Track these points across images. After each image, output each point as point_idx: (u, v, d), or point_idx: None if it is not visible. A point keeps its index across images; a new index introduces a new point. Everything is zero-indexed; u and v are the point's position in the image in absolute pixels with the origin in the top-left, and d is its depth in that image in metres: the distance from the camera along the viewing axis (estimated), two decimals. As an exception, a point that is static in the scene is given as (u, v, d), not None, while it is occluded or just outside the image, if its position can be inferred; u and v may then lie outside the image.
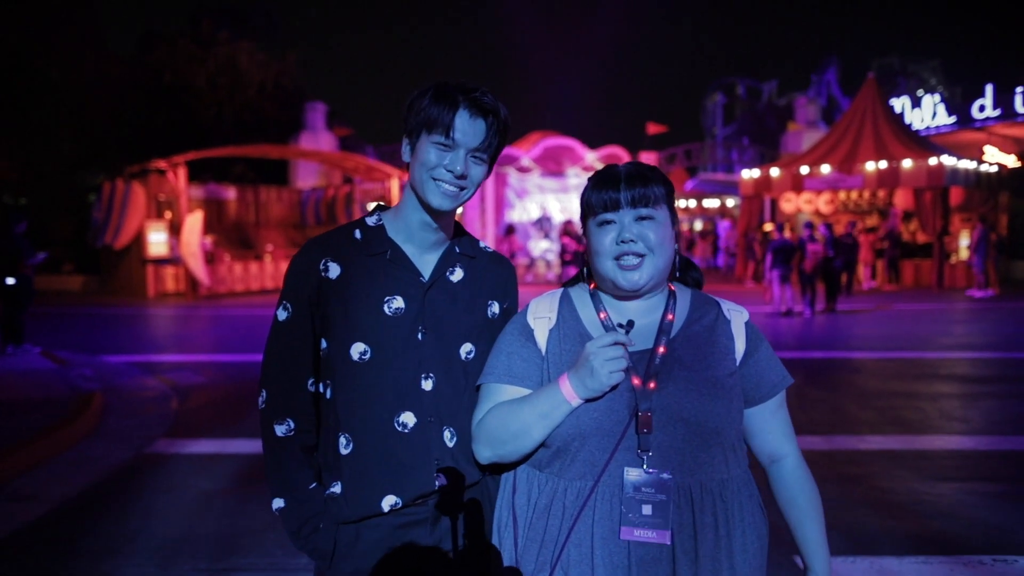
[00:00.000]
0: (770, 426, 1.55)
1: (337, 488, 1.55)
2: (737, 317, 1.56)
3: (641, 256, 1.45)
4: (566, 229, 15.97)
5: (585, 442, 1.41)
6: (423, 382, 1.56)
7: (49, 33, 22.21)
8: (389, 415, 1.54)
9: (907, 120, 24.05)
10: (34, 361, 8.73)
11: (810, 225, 13.78)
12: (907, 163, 18.15)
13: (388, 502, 1.53)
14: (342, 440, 1.55)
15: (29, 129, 22.01)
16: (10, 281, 8.90)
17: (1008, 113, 23.28)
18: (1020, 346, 9.63)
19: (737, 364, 1.51)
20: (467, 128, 1.50)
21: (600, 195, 1.47)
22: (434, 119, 1.49)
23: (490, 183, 23.65)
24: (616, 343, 1.36)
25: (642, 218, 1.46)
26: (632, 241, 1.44)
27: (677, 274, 1.59)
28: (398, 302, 1.56)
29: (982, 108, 23.92)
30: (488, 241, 23.53)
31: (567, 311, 1.57)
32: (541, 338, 1.54)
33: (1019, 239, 20.16)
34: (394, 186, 22.97)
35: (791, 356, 9.08)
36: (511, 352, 1.55)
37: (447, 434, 1.57)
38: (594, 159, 23.48)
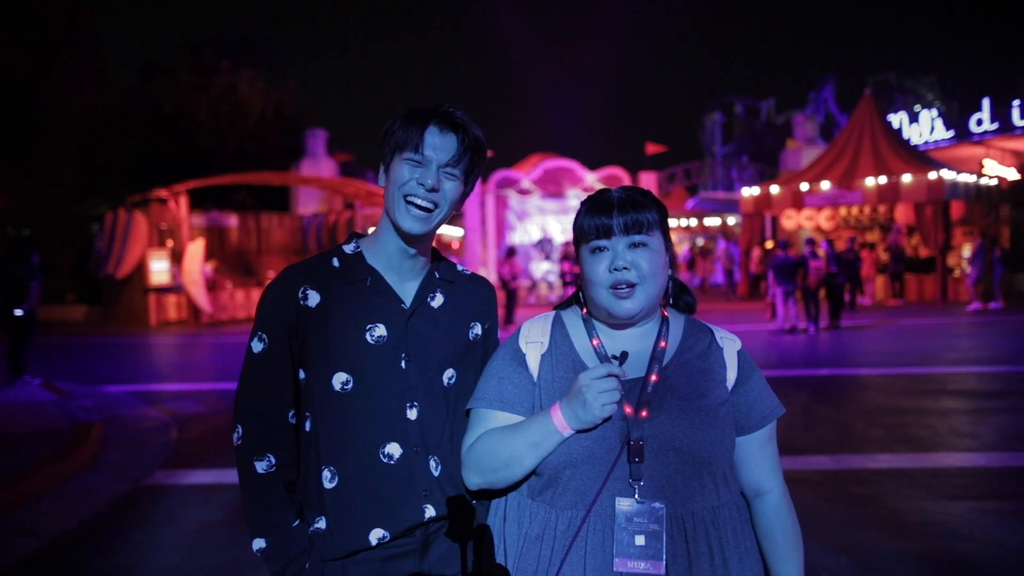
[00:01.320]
0: (757, 459, 1.53)
1: (322, 524, 1.50)
2: (730, 345, 1.55)
3: (634, 285, 1.43)
4: (566, 252, 15.96)
5: (576, 471, 1.39)
6: (408, 411, 1.53)
7: (51, 65, 22.44)
8: (374, 446, 1.50)
9: (905, 135, 24.11)
10: (34, 393, 8.68)
11: (811, 242, 13.75)
12: (907, 178, 18.17)
13: (376, 535, 1.48)
14: (326, 474, 1.51)
15: (31, 160, 22.16)
16: (19, 312, 9.01)
17: (1006, 127, 23.33)
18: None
19: (728, 392, 1.49)
20: (437, 143, 1.49)
21: (592, 221, 1.46)
22: (404, 138, 1.50)
23: (491, 205, 23.75)
24: (610, 375, 1.35)
25: (635, 245, 1.44)
26: (625, 269, 1.43)
27: (671, 300, 1.58)
28: (380, 330, 1.52)
29: (980, 122, 23.98)
30: (489, 264, 23.58)
31: (560, 336, 1.55)
32: (533, 363, 1.52)
33: (1021, 252, 20.10)
34: (395, 210, 23.01)
35: (796, 374, 9.00)
36: (503, 377, 1.53)
37: (432, 463, 1.53)
38: (594, 180, 23.55)
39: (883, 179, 18.43)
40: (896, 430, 6.22)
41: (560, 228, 23.82)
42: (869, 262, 18.43)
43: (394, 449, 1.51)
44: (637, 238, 1.44)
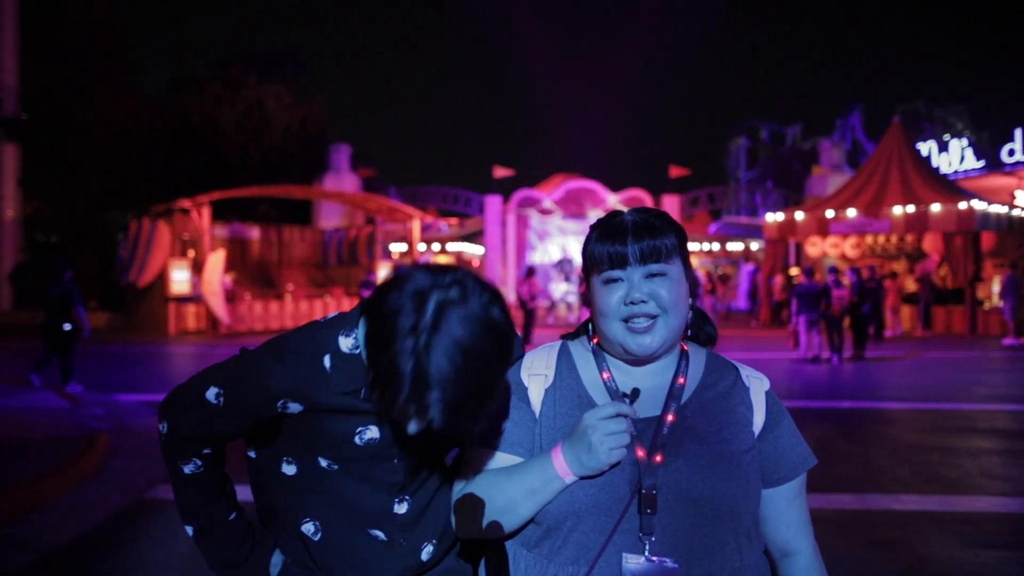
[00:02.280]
0: (785, 515, 1.36)
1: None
2: (757, 385, 1.38)
3: (653, 317, 1.28)
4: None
5: (579, 522, 1.24)
6: (396, 506, 1.41)
7: (84, 77, 22.88)
8: (360, 527, 1.40)
9: (934, 164, 23.76)
10: (47, 400, 8.68)
11: (835, 270, 13.47)
12: (936, 207, 17.83)
13: None
14: (309, 526, 1.41)
15: (62, 169, 22.55)
16: (67, 327, 9.68)
17: (1039, 158, 22.92)
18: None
19: (755, 438, 1.33)
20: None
21: (605, 248, 1.30)
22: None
23: (512, 224, 23.70)
24: (619, 415, 1.19)
25: (653, 275, 1.29)
26: (643, 302, 1.27)
27: (689, 332, 1.41)
28: (372, 432, 1.36)
29: (1011, 152, 23.58)
30: (508, 283, 23.47)
31: (565, 369, 1.39)
32: (535, 398, 1.36)
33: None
34: (415, 227, 23.08)
35: (819, 405, 8.74)
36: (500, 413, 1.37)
37: (427, 549, 1.44)
38: (616, 201, 23.43)
39: (911, 208, 18.10)
40: (924, 469, 5.95)
41: (580, 249, 23.70)
42: (893, 292, 18.02)
43: (379, 535, 1.41)
44: (655, 267, 1.28)
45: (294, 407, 1.32)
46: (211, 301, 17.82)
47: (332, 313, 1.47)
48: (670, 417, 1.28)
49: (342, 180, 25.33)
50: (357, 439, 1.35)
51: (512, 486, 1.27)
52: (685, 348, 1.40)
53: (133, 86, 25.59)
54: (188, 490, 1.42)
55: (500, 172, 24.30)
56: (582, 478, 1.23)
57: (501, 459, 1.33)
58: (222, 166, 25.65)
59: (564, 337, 1.50)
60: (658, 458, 1.24)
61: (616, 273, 1.29)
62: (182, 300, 18.52)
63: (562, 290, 22.83)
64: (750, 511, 1.28)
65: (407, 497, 1.41)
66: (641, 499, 1.22)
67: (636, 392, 1.25)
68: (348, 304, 20.70)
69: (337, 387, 1.31)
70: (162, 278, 18.43)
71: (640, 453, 1.25)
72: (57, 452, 6.02)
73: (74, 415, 7.76)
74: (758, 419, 1.34)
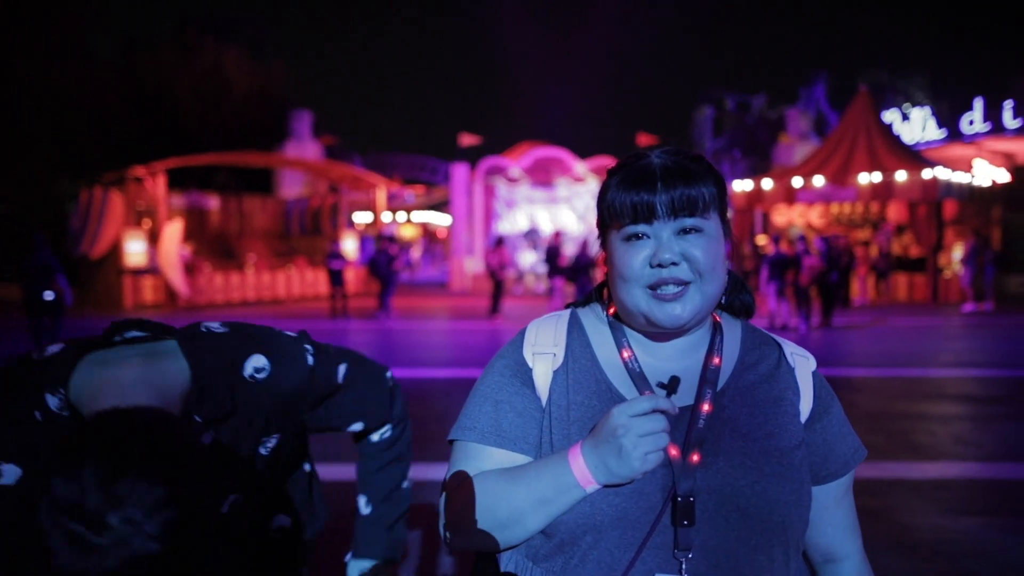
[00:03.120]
0: (832, 516, 1.17)
1: None
2: (803, 364, 1.15)
3: (685, 283, 1.04)
4: (552, 242, 15.35)
5: (601, 536, 1.01)
6: None
7: (30, 38, 21.74)
8: None
9: (896, 133, 23.98)
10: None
11: (804, 238, 13.50)
12: (901, 176, 17.96)
13: None
14: None
15: (7, 136, 21.50)
16: (49, 296, 9.75)
17: (997, 127, 23.24)
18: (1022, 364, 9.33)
19: (802, 429, 1.12)
20: None
21: (628, 197, 1.05)
22: None
23: (479, 194, 23.35)
24: (655, 411, 0.96)
25: (686, 231, 1.05)
26: (674, 264, 1.03)
27: (724, 299, 1.18)
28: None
29: (971, 122, 23.87)
30: (476, 252, 23.20)
31: (578, 345, 1.14)
32: (542, 381, 1.12)
33: (1012, 253, 20.00)
34: (380, 196, 22.60)
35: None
36: (500, 401, 1.12)
37: None
38: (584, 170, 23.21)
39: (877, 176, 18.21)
40: (898, 436, 5.94)
41: (549, 218, 23.47)
42: (864, 260, 18.20)
43: None
44: (689, 222, 1.04)
45: (8, 470, 1.07)
46: (169, 273, 17.24)
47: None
48: (706, 407, 1.06)
49: (304, 147, 24.63)
50: None
51: (518, 494, 1.03)
52: (718, 320, 1.17)
53: (85, 49, 24.41)
54: None
55: (467, 140, 23.86)
56: (606, 486, 1.00)
57: (502, 458, 1.09)
58: (179, 133, 24.74)
59: (572, 306, 1.25)
60: (695, 458, 1.02)
61: (641, 228, 1.05)
62: (138, 272, 17.89)
63: (530, 260, 22.64)
64: (802, 519, 1.07)
65: None
66: (676, 508, 1.00)
67: (676, 381, 1.02)
68: (312, 275, 20.26)
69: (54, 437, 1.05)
70: (116, 249, 17.75)
71: (673, 452, 1.02)
72: None
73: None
74: (805, 405, 1.13)
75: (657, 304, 1.05)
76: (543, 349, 1.14)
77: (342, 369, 1.37)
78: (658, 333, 1.11)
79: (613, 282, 1.11)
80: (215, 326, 1.25)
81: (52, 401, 1.09)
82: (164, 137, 24.16)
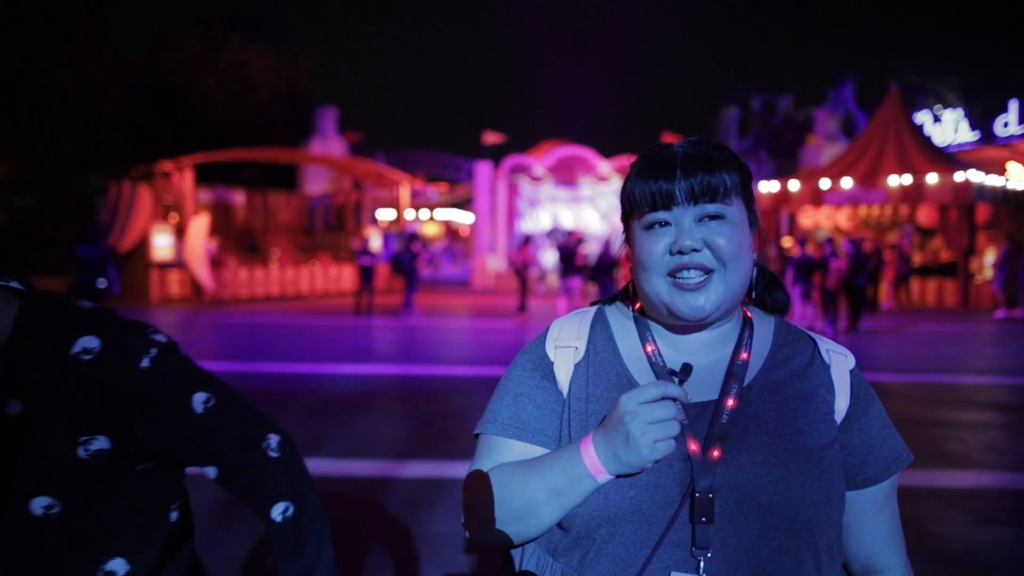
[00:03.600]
0: (872, 524, 1.11)
1: None
2: (840, 362, 1.11)
3: (708, 271, 1.02)
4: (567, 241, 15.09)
5: (616, 530, 0.99)
6: None
7: (59, 35, 22.10)
8: None
9: (927, 135, 23.58)
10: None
11: (831, 241, 13.30)
12: (932, 178, 17.63)
13: None
14: None
15: (37, 130, 21.88)
16: (102, 284, 10.43)
17: (1033, 130, 22.77)
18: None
19: (837, 429, 1.07)
20: None
21: (647, 187, 1.04)
22: None
23: (502, 192, 23.32)
24: (666, 398, 0.94)
25: (709, 217, 1.03)
26: (695, 251, 1.01)
27: (754, 294, 1.15)
28: None
29: (1006, 124, 23.41)
30: (499, 250, 23.16)
31: (601, 340, 1.13)
32: (563, 375, 1.11)
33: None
34: (404, 193, 22.67)
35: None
36: (520, 394, 1.12)
37: None
38: (608, 169, 23.09)
39: (907, 179, 17.89)
40: (928, 444, 5.81)
41: (572, 217, 23.38)
42: (892, 264, 17.86)
43: None
44: (711, 208, 1.03)
45: None
46: (195, 267, 17.44)
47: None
48: (730, 402, 1.03)
49: (329, 144, 24.77)
50: None
51: (533, 484, 1.02)
52: (748, 315, 1.14)
53: (112, 43, 24.78)
54: None
55: (491, 138, 23.85)
56: (618, 476, 0.98)
57: (521, 450, 1.09)
58: (204, 128, 25.01)
59: (598, 303, 1.24)
60: (716, 453, 0.99)
61: (661, 215, 1.04)
62: (165, 266, 18.12)
63: (552, 259, 22.59)
64: (833, 521, 1.02)
65: None
66: (694, 504, 0.97)
67: (688, 368, 0.99)
68: (335, 271, 20.37)
69: None
70: (144, 243, 17.99)
71: (693, 447, 1.00)
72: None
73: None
74: (841, 404, 1.08)
75: (679, 294, 1.03)
76: (565, 343, 1.14)
77: (200, 397, 1.18)
78: (681, 325, 1.08)
79: (636, 273, 1.10)
80: (83, 302, 1.16)
81: None
82: (190, 132, 24.45)
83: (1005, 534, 4.01)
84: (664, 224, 1.04)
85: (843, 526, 1.09)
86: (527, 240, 15.59)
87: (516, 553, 1.12)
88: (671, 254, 1.03)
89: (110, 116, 23.10)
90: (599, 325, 1.16)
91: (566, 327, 1.17)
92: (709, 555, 0.96)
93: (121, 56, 25.00)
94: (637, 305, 1.15)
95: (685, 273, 1.03)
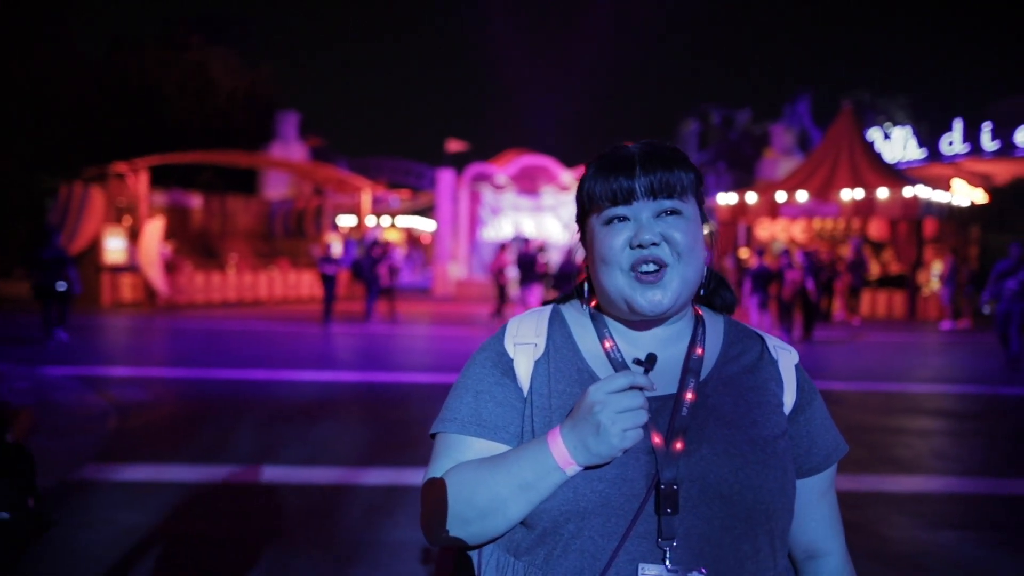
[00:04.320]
0: (815, 511, 1.17)
1: None
2: (786, 357, 1.17)
3: (663, 266, 1.05)
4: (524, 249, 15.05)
5: (584, 524, 1.00)
6: None
7: (14, 35, 21.45)
8: None
9: (878, 151, 24.31)
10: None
11: (787, 252, 13.61)
12: (883, 193, 18.18)
13: None
14: None
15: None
16: (62, 286, 10.59)
17: (976, 149, 23.66)
18: (1001, 380, 9.45)
19: (786, 421, 1.13)
20: None
21: (608, 183, 1.07)
22: None
23: (464, 200, 23.31)
24: (633, 387, 0.95)
25: (666, 212, 1.06)
26: (654, 244, 1.05)
27: (703, 291, 1.18)
28: None
29: (951, 143, 24.26)
30: (460, 258, 23.13)
31: (560, 337, 1.15)
32: (523, 372, 1.12)
33: (990, 273, 20.32)
34: (365, 199, 22.50)
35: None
36: (480, 391, 1.12)
37: None
38: (569, 179, 23.27)
39: (859, 193, 18.42)
40: (877, 450, 5.97)
41: (534, 225, 23.49)
42: (846, 276, 18.26)
43: None
44: (668, 203, 1.07)
45: None
46: (148, 271, 17.02)
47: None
48: (689, 395, 1.06)
49: (290, 149, 24.46)
50: None
51: (499, 480, 1.02)
52: (700, 313, 1.18)
53: (69, 45, 24.13)
54: None
55: (453, 146, 23.84)
56: (587, 468, 0.99)
57: (483, 447, 1.09)
58: (163, 131, 24.48)
59: (554, 301, 1.26)
60: (678, 445, 1.02)
61: (620, 210, 1.07)
62: (117, 269, 17.64)
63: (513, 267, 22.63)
64: (787, 508, 1.08)
65: None
66: (660, 495, 0.99)
67: (653, 358, 1.01)
68: (294, 277, 20.10)
69: None
70: (95, 246, 17.50)
71: (657, 440, 1.02)
72: (-29, 429, 5.54)
73: (-6, 389, 7.22)
74: (788, 397, 1.14)
75: (639, 289, 1.06)
76: (524, 340, 1.15)
77: None
78: (639, 321, 1.11)
79: (594, 268, 1.12)
80: None
81: None
82: (147, 135, 23.91)
83: (953, 537, 4.14)
84: (623, 219, 1.07)
85: None
86: (503, 246, 15.59)
87: (474, 556, 1.12)
88: (631, 248, 1.06)
89: (64, 117, 22.47)
90: (556, 323, 1.17)
91: (524, 324, 1.18)
92: (675, 544, 0.99)
93: (79, 57, 24.35)
94: (593, 303, 1.18)
95: (644, 267, 1.06)
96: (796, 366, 1.17)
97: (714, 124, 55.35)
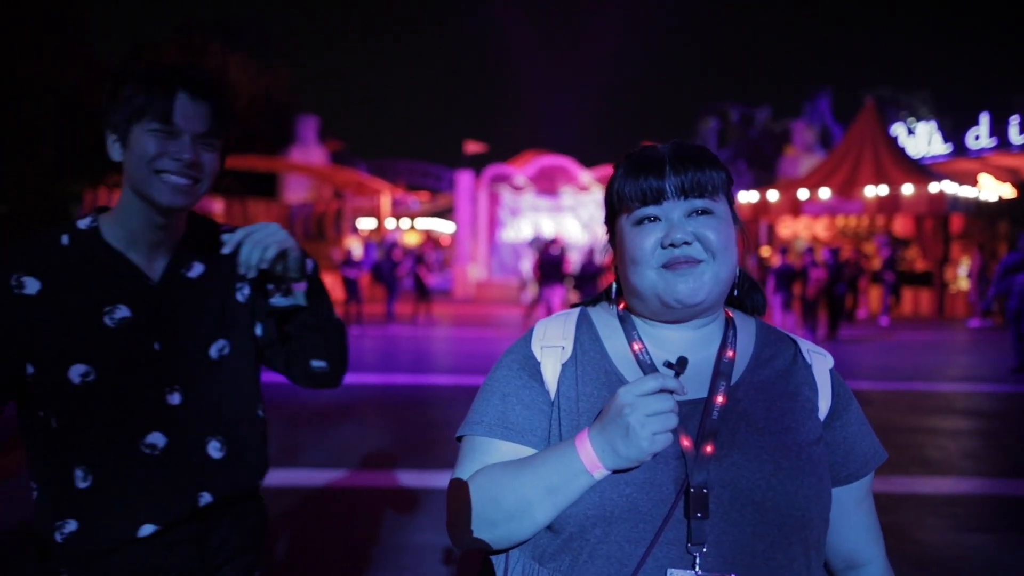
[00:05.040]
0: (853, 519, 1.13)
1: (72, 526, 1.31)
2: (820, 362, 1.13)
3: (698, 262, 1.03)
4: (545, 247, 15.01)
5: (611, 529, 0.98)
6: (168, 397, 1.36)
7: (36, 41, 21.80)
8: (132, 439, 1.33)
9: (902, 146, 23.94)
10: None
11: (811, 250, 13.43)
12: (907, 189, 17.90)
13: (145, 530, 1.33)
14: (78, 473, 1.32)
15: (11, 136, 21.52)
16: None
17: (1003, 143, 23.20)
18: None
19: (821, 426, 1.09)
20: (189, 111, 1.30)
21: (638, 184, 1.06)
22: (144, 106, 1.29)
23: (483, 201, 23.31)
24: (663, 390, 0.92)
25: (697, 212, 1.06)
26: (686, 243, 1.03)
27: (736, 292, 1.17)
28: (123, 311, 1.34)
29: (977, 137, 23.83)
30: (479, 259, 23.13)
31: (587, 340, 1.12)
32: (551, 375, 1.10)
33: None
34: (385, 202, 22.59)
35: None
36: (507, 394, 1.10)
37: (213, 446, 1.40)
38: (589, 179, 23.19)
39: (883, 189, 18.15)
40: (909, 451, 5.85)
41: (553, 226, 23.44)
42: (869, 273, 17.99)
43: (157, 439, 1.35)
44: (700, 203, 1.06)
45: (31, 283, 1.28)
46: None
47: None
48: (720, 399, 1.03)
49: (309, 153, 24.63)
50: (108, 319, 1.32)
51: (526, 483, 1.00)
52: (731, 315, 1.15)
53: (89, 50, 24.49)
54: None
55: (472, 147, 23.86)
56: (615, 472, 0.96)
57: (509, 450, 1.07)
58: (184, 136, 24.77)
59: (582, 304, 1.24)
60: (709, 449, 0.99)
61: (651, 210, 1.06)
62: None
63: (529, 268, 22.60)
64: (823, 516, 1.04)
65: (177, 386, 1.37)
66: (690, 500, 0.96)
67: (683, 361, 0.98)
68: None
69: (77, 257, 1.33)
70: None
71: (686, 443, 1.00)
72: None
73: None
74: (823, 403, 1.10)
75: (672, 279, 1.04)
76: (552, 343, 1.13)
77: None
78: (671, 318, 1.09)
79: (624, 269, 1.11)
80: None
81: (83, 222, 1.38)
82: (169, 140, 24.19)
83: (985, 540, 4.04)
84: (654, 219, 1.06)
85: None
86: (548, 244, 15.52)
87: (499, 562, 1.09)
88: (662, 248, 1.04)
89: (87, 123, 22.79)
90: (584, 325, 1.16)
91: (551, 327, 1.16)
92: (704, 550, 0.96)
93: (98, 63, 24.71)
94: (621, 305, 1.16)
95: (677, 266, 1.04)
96: (831, 371, 1.14)
97: (733, 122, 54.96)
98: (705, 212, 1.05)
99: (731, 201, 1.12)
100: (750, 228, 20.70)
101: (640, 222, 1.07)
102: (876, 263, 18.47)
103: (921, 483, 5.05)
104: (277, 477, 4.92)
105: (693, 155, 1.07)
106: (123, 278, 1.35)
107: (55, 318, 1.29)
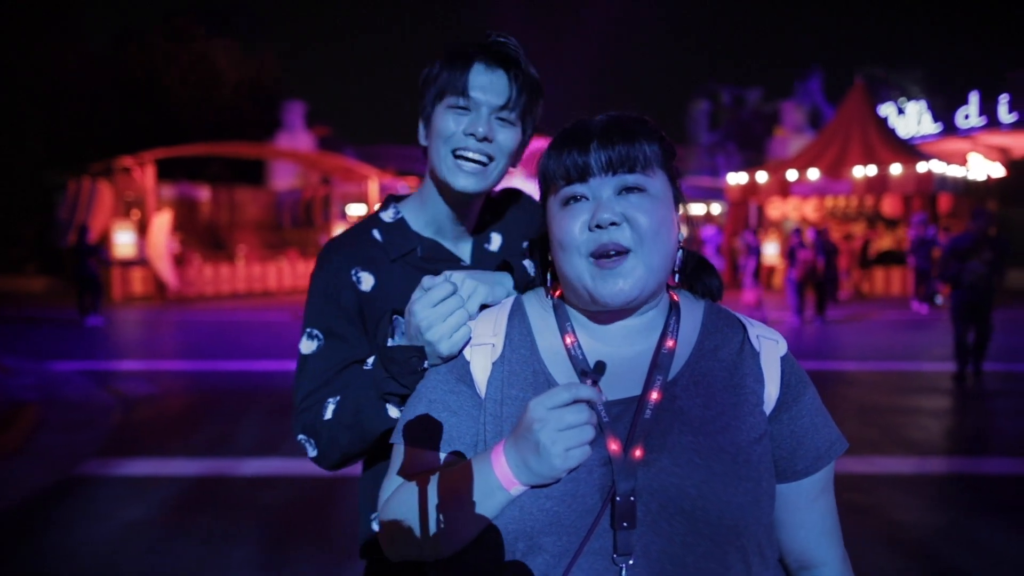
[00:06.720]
0: (805, 518, 1.04)
1: None
2: (770, 348, 1.04)
3: (625, 253, 0.94)
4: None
5: (534, 543, 0.92)
6: None
7: (20, 29, 21.48)
8: None
9: (891, 127, 23.91)
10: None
11: (798, 232, 13.41)
12: (896, 169, 17.88)
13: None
14: None
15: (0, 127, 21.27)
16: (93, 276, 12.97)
17: (993, 122, 23.20)
18: (1020, 358, 9.28)
19: (766, 420, 1.00)
20: (485, 83, 1.25)
21: (561, 160, 0.97)
22: (445, 83, 1.26)
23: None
24: (577, 401, 0.85)
25: (628, 189, 0.95)
26: (614, 224, 0.94)
27: (677, 277, 1.07)
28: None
29: (967, 116, 23.81)
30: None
31: (518, 335, 1.04)
32: (480, 376, 1.03)
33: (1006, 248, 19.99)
34: (372, 187, 22.45)
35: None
36: (433, 400, 1.03)
37: None
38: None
39: (872, 169, 18.12)
40: (891, 431, 5.86)
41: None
42: (847, 253, 17.97)
43: None
44: (630, 179, 0.96)
45: (366, 279, 1.32)
46: (157, 264, 17.09)
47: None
48: (654, 395, 0.95)
49: (296, 138, 24.43)
50: None
51: (444, 498, 0.94)
52: (676, 299, 1.06)
53: (75, 39, 24.14)
54: (351, 432, 1.24)
55: (460, 132, 23.68)
56: (533, 487, 0.90)
57: (433, 459, 1.00)
58: (169, 123, 24.50)
59: (518, 292, 1.16)
60: (638, 453, 0.92)
61: (577, 188, 0.97)
62: (126, 263, 17.73)
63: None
64: (761, 522, 0.96)
65: None
66: (615, 509, 0.90)
67: (601, 367, 0.93)
68: (303, 267, 20.12)
69: (392, 251, 1.35)
70: (104, 240, 17.59)
71: (614, 447, 0.93)
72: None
73: (2, 385, 7.24)
74: (770, 393, 1.01)
75: (600, 277, 0.96)
76: (481, 340, 1.05)
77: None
78: (604, 312, 1.01)
79: (554, 254, 1.02)
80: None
81: (387, 215, 1.41)
82: (154, 128, 23.94)
83: (964, 519, 4.04)
84: (581, 198, 0.97)
85: (776, 521, 1.04)
86: None
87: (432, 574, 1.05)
88: (589, 230, 0.95)
89: (71, 112, 22.53)
90: (516, 318, 1.07)
91: (482, 323, 1.07)
92: (631, 562, 0.90)
93: (85, 52, 24.37)
94: (557, 292, 1.08)
95: (606, 255, 0.96)
96: (783, 358, 1.04)
97: (724, 104, 54.75)
98: (637, 189, 0.96)
99: (673, 177, 1.02)
100: (739, 209, 20.69)
101: (567, 202, 0.98)
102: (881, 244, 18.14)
103: (901, 463, 5.06)
104: (258, 467, 4.90)
105: (624, 126, 0.97)
106: (439, 264, 1.36)
107: (384, 313, 1.29)
